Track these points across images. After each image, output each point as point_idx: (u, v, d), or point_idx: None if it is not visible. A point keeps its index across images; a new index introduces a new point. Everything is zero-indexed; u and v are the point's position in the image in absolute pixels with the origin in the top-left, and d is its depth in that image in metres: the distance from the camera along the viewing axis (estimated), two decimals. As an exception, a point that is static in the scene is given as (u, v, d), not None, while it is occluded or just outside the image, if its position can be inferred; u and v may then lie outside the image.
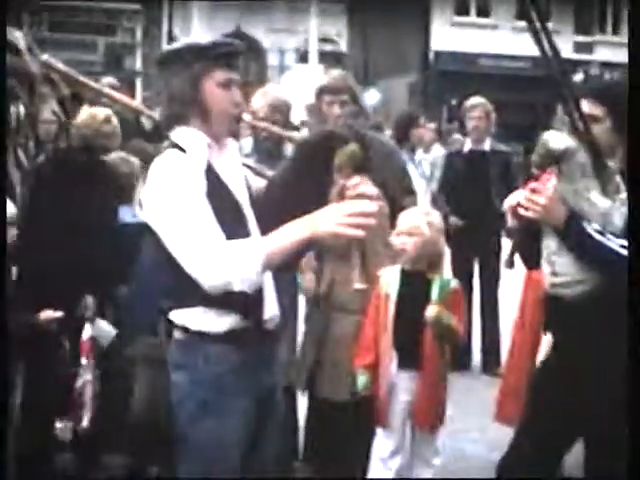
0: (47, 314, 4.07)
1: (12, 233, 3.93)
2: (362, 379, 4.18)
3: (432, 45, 25.82)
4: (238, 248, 2.66)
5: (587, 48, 26.46)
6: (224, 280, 2.65)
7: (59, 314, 4.10)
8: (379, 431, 4.27)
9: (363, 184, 2.78)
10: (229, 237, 2.73)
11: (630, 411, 2.77)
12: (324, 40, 24.29)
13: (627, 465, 2.72)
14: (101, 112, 5.08)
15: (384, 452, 4.24)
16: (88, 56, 23.16)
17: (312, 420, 4.84)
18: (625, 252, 2.99)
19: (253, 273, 2.65)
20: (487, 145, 7.31)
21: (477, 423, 5.79)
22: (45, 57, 3.88)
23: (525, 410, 3.49)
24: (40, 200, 4.21)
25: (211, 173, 2.82)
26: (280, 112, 4.94)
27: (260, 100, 4.95)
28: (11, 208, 3.97)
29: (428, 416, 4.25)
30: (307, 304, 4.67)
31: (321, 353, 4.45)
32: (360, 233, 2.59)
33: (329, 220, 2.60)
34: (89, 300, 4.41)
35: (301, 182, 2.88)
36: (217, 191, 2.81)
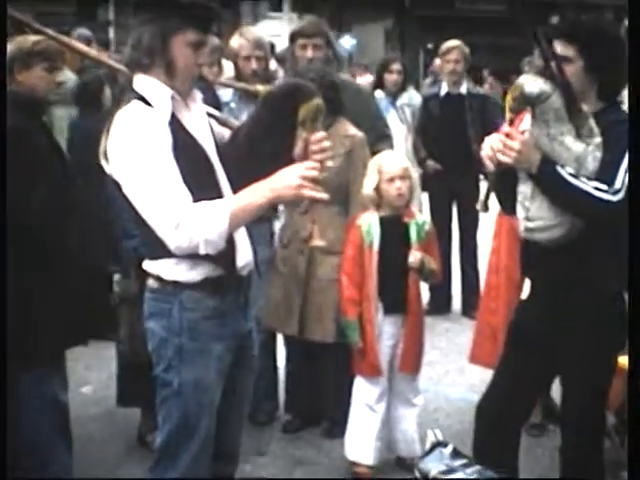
0: None
1: None
2: (351, 329, 4.21)
3: (408, -11, 25.57)
4: (203, 212, 2.67)
5: (563, -11, 26.26)
6: (189, 244, 2.68)
7: None
8: (361, 378, 4.31)
9: (326, 139, 2.80)
10: (198, 188, 2.73)
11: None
12: (298, -14, 24.03)
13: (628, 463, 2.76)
14: None
15: (370, 398, 4.28)
16: (60, 7, 22.80)
17: (295, 363, 4.89)
18: (598, 194, 3.01)
19: (218, 237, 2.68)
20: (464, 88, 7.28)
21: (457, 365, 5.85)
22: (10, 11, 3.80)
23: (503, 351, 3.52)
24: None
25: (177, 125, 2.81)
26: (261, 48, 4.84)
27: (238, 39, 4.86)
28: None
29: (413, 358, 4.31)
30: (284, 246, 4.63)
31: (306, 296, 4.48)
32: (325, 196, 2.64)
33: (291, 183, 2.63)
34: None
35: (266, 135, 2.89)
36: (184, 142, 2.80)
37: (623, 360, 3.70)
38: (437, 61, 13.97)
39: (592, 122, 3.10)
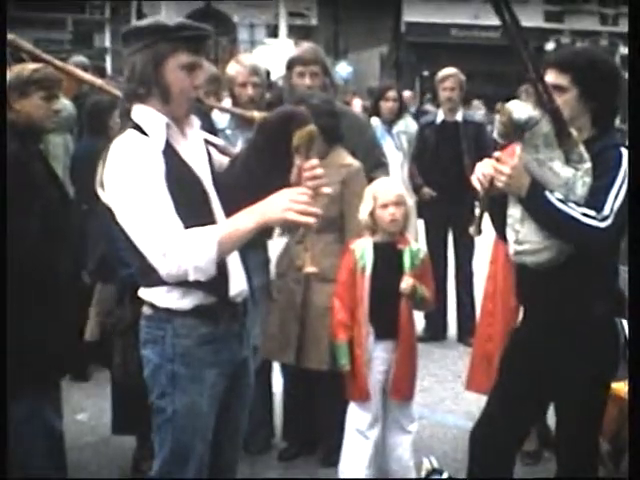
0: None
1: None
2: (342, 354, 4.20)
3: (403, 16, 25.72)
4: (192, 239, 2.67)
5: (558, 17, 26.47)
6: (179, 270, 2.68)
7: None
8: (353, 403, 4.30)
9: (319, 167, 2.80)
10: (191, 215, 2.74)
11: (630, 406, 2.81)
12: (294, 14, 24.19)
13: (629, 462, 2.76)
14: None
15: (362, 424, 4.27)
16: (57, 34, 22.92)
17: (291, 391, 4.88)
18: (586, 220, 3.02)
19: (207, 263, 2.67)
20: (459, 116, 7.31)
21: (453, 392, 5.84)
22: (11, 37, 3.81)
23: (496, 377, 3.52)
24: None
25: (171, 153, 2.82)
26: (257, 75, 4.83)
27: (235, 67, 4.85)
28: None
29: (404, 385, 4.30)
30: (280, 275, 4.63)
31: (303, 324, 4.47)
32: (310, 221, 2.63)
33: (279, 207, 2.63)
34: None
35: (262, 162, 2.89)
36: (178, 170, 2.81)
37: (617, 387, 3.71)
38: (407, 93, 14.08)
39: (582, 148, 3.11)
